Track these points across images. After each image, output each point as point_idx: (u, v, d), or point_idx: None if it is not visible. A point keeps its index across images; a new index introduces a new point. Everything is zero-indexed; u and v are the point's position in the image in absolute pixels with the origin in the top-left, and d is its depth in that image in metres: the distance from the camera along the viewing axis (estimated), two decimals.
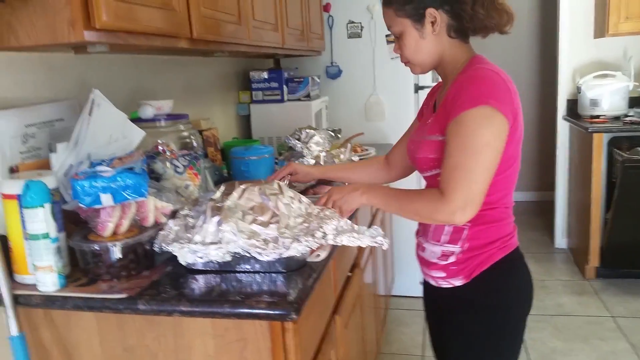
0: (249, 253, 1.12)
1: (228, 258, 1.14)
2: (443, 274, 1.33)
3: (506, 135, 1.16)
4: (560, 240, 4.06)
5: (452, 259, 1.30)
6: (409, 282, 3.24)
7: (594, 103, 3.48)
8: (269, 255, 1.12)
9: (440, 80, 1.43)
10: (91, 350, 1.12)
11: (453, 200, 1.13)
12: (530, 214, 4.91)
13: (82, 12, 1.00)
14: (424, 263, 1.39)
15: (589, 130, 3.26)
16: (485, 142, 1.13)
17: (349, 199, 1.33)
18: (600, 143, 3.25)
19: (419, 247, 1.41)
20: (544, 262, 3.79)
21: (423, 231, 1.38)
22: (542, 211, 4.92)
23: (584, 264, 3.48)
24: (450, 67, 1.30)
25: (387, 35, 2.96)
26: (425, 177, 1.35)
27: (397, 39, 1.32)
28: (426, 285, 1.46)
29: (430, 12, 1.25)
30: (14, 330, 1.09)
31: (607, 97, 3.45)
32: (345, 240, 1.20)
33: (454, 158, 1.15)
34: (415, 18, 1.26)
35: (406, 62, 1.34)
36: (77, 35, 1.02)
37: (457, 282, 1.31)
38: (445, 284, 1.34)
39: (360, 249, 1.95)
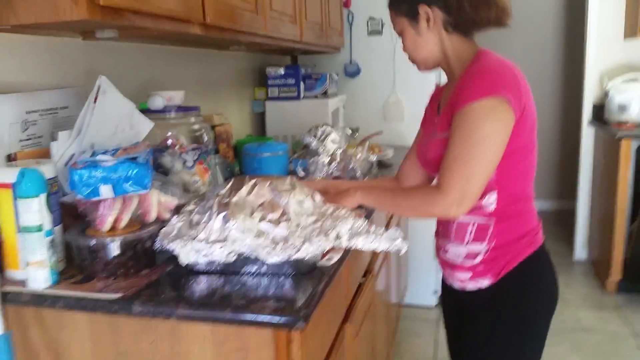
0: (256, 253, 1.04)
1: (233, 258, 1.06)
2: (469, 275, 1.29)
3: (512, 125, 1.14)
4: (581, 251, 3.92)
5: (479, 258, 1.26)
6: (422, 290, 3.14)
7: (623, 108, 3.33)
8: (277, 255, 1.03)
9: (441, 84, 1.44)
10: (82, 354, 1.04)
11: (450, 193, 1.13)
12: (549, 223, 4.77)
13: None
14: (448, 265, 1.35)
15: (617, 137, 3.13)
16: (486, 134, 1.12)
17: (343, 199, 1.32)
18: (628, 150, 3.11)
19: (441, 249, 1.36)
20: (563, 274, 3.66)
21: (444, 232, 1.33)
22: (562, 220, 4.78)
23: (605, 277, 3.35)
24: (455, 64, 1.29)
25: None
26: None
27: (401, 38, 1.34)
28: (447, 288, 1.41)
29: (423, 8, 1.25)
30: (0, 329, 1.02)
31: (637, 102, 3.31)
32: (360, 243, 1.11)
33: (453, 151, 1.15)
34: (410, 16, 1.28)
35: (411, 61, 1.35)
36: (80, 13, 0.96)
37: (484, 283, 1.27)
38: (471, 286, 1.30)
39: (374, 254, 1.86)
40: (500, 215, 1.23)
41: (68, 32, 1.35)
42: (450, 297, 1.42)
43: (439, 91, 1.45)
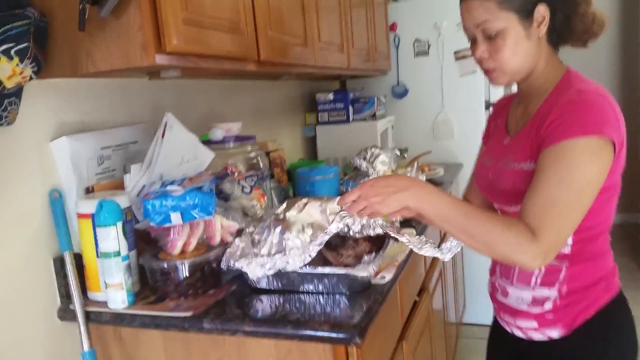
0: (311, 255, 1.10)
1: (293, 264, 1.11)
2: (535, 324, 1.13)
3: (609, 169, 1.00)
4: None
5: (548, 306, 1.11)
6: (481, 309, 3.09)
7: None
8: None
9: (504, 95, 1.25)
10: None
11: (543, 243, 0.94)
12: (614, 237, 4.59)
13: (153, 37, 1.03)
14: (507, 310, 1.19)
15: None
16: (589, 180, 0.97)
17: (390, 201, 1.02)
18: None
19: (499, 290, 1.21)
20: (633, 290, 3.50)
21: (504, 271, 1.19)
22: (627, 234, 4.59)
23: None
24: (541, 80, 1.10)
25: (455, 52, 2.90)
26: (509, 212, 1.14)
27: (488, 40, 1.07)
28: (503, 334, 1.24)
29: (541, 8, 1.04)
30: (85, 346, 1.13)
31: None
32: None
33: (550, 192, 0.96)
34: (523, 14, 1.04)
35: (492, 70, 1.09)
36: (149, 59, 1.04)
37: (554, 334, 1.11)
38: (537, 336, 1.14)
39: (428, 273, 1.89)
40: (575, 257, 1.08)
41: (137, 74, 1.47)
42: (506, 344, 1.24)
43: (506, 103, 1.27)
